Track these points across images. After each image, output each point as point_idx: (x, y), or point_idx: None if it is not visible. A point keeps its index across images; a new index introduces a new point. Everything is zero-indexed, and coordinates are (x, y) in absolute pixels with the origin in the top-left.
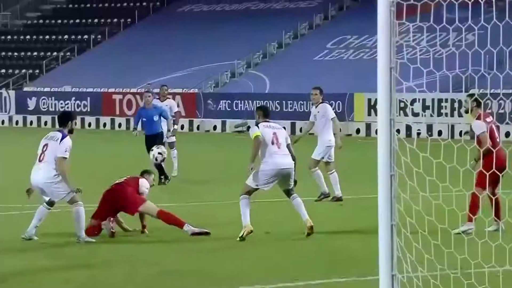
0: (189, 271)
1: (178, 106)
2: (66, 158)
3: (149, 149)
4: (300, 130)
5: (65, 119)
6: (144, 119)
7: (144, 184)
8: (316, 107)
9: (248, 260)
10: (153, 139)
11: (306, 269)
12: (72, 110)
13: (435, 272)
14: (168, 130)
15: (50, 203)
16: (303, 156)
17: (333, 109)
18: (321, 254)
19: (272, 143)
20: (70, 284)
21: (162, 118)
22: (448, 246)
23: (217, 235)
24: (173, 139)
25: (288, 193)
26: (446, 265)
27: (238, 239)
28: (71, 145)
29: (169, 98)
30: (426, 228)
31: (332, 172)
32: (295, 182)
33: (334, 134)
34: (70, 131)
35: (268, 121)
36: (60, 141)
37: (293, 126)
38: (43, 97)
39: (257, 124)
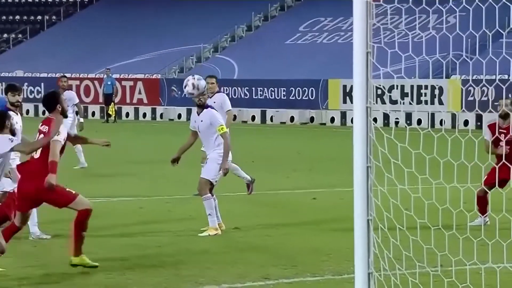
0: (152, 268)
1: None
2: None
3: None
4: (271, 119)
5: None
6: None
7: None
8: (211, 97)
9: (215, 257)
10: None
11: (277, 267)
12: (25, 96)
13: (413, 269)
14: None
15: None
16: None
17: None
18: (294, 251)
19: None
20: (24, 285)
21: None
22: (427, 242)
23: (175, 229)
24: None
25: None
26: (425, 263)
27: (206, 234)
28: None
29: (68, 90)
30: (405, 223)
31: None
32: None
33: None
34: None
35: None
36: None
37: (263, 114)
38: None
39: (213, 108)
